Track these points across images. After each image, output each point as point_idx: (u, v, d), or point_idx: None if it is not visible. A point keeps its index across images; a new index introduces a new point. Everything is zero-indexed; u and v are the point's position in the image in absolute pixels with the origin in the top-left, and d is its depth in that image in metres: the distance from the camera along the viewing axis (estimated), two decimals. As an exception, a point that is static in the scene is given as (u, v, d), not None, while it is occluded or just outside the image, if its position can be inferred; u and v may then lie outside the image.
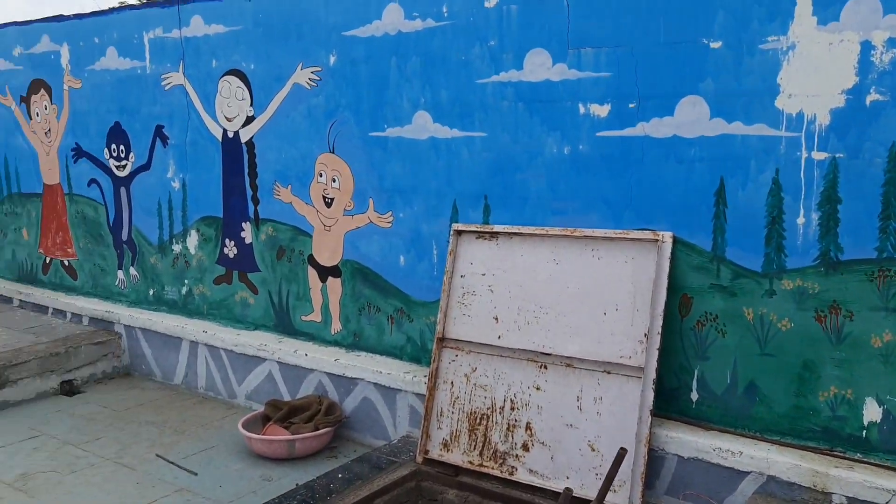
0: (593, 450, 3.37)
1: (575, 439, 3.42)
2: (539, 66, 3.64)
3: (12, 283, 6.73)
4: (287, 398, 4.70)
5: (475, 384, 3.80)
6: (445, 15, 3.91)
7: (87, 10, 5.72)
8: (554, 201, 3.68)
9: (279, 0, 4.56)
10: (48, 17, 6.01)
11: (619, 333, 3.41)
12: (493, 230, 3.84)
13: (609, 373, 3.40)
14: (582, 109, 3.53)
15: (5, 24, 6.43)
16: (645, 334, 3.32)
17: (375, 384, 4.27)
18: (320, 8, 4.38)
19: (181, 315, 5.47)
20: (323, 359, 4.49)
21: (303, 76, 4.54)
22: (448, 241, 4.02)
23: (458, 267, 3.93)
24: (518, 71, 3.71)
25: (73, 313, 6.05)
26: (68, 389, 5.28)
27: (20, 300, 6.53)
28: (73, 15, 5.82)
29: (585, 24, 3.48)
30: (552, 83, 3.60)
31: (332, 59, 4.38)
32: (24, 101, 6.37)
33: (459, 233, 3.94)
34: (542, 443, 3.50)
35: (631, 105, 3.39)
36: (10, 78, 6.44)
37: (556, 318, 3.58)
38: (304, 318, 4.81)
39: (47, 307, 6.28)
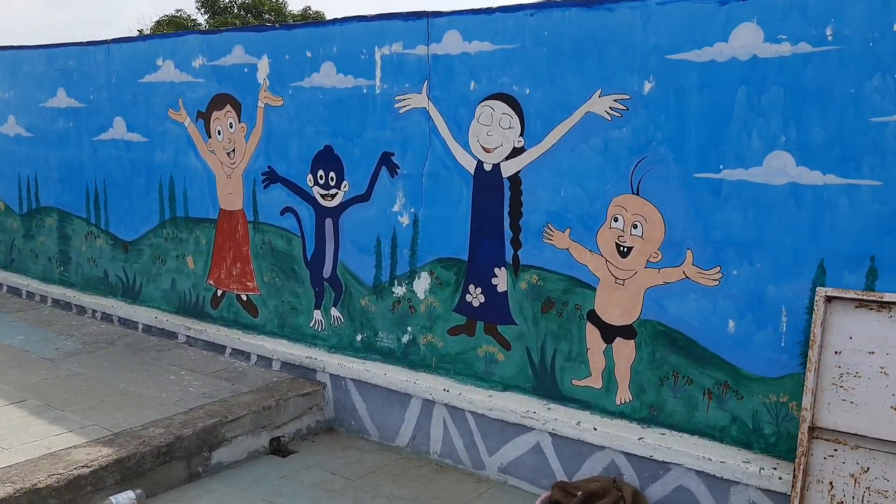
0: None
1: None
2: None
3: (175, 316, 6.12)
4: (561, 476, 4.04)
5: (868, 489, 3.13)
6: (829, 39, 3.26)
7: (298, 21, 5.12)
8: None
9: (576, 18, 3.94)
10: (245, 27, 5.44)
11: None
12: (885, 299, 3.18)
13: None
14: None
15: (185, 33, 5.86)
16: None
17: (698, 472, 3.61)
18: (636, 28, 3.75)
19: (400, 366, 4.83)
20: (619, 435, 3.83)
21: (601, 104, 3.91)
22: (807, 308, 3.38)
23: (829, 341, 3.28)
24: (939, 110, 3.07)
25: (259, 356, 5.42)
26: (277, 447, 4.65)
27: (188, 336, 5.92)
28: (280, 25, 5.24)
29: None
30: None
31: (648, 87, 3.75)
32: (203, 117, 5.79)
33: (830, 299, 3.29)
34: None
35: None
36: (186, 91, 5.87)
37: None
38: (575, 382, 4.16)
39: (224, 346, 5.66)
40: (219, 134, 5.70)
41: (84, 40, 6.68)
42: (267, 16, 31.54)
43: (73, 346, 5.77)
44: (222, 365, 5.41)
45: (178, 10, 33.10)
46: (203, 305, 6.02)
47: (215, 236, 5.87)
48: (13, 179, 7.63)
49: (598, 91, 3.91)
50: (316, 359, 5.08)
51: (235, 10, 31.94)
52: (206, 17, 32.80)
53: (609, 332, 4.02)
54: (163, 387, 4.89)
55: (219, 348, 5.70)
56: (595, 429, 3.91)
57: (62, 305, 7.02)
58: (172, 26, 30.65)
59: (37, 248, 7.50)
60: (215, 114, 5.70)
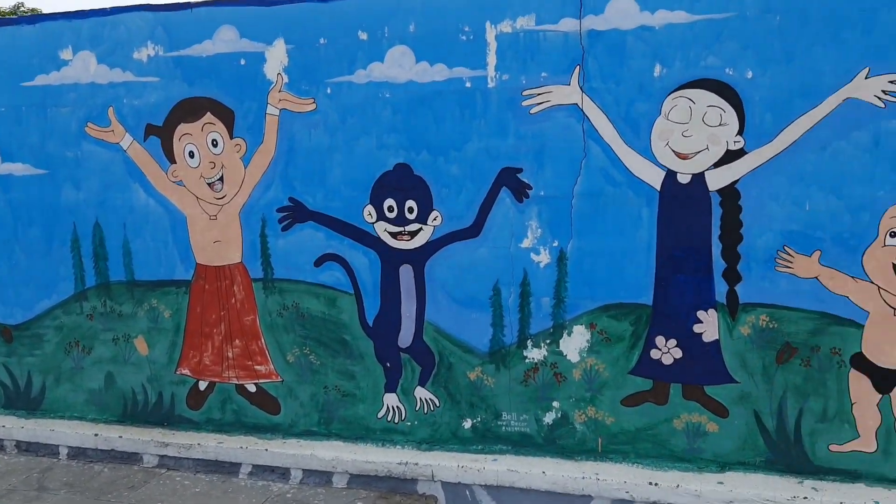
0: None
1: None
2: None
3: (126, 428, 4.15)
4: (851, 575, 3.10)
5: None
6: None
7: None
8: None
9: (833, -27, 3.00)
10: (238, -1, 3.73)
11: None
12: None
13: None
14: None
15: (120, 9, 3.94)
16: None
17: None
18: (926, -16, 2.91)
19: (543, 455, 3.56)
20: (942, 512, 2.98)
21: (869, 88, 3.01)
22: None
23: None
24: None
25: (305, 470, 3.77)
26: None
27: (161, 455, 4.01)
28: (307, -6, 3.63)
29: None
30: None
31: (942, 62, 2.93)
32: (158, 133, 3.94)
33: None
34: None
35: None
36: (122, 95, 3.96)
37: None
38: (835, 448, 3.23)
39: (236, 464, 3.88)
40: (191, 156, 3.90)
41: None
42: (-28, 16, 26.31)
43: (-21, 507, 3.62)
44: (256, 495, 3.67)
45: None
46: (172, 407, 4.14)
47: (189, 304, 4.04)
48: None
49: (865, 70, 3.01)
50: (417, 464, 3.60)
51: (-72, 10, 26.23)
52: None
53: (885, 380, 3.15)
54: (210, 555, 3.12)
55: (225, 468, 3.91)
56: (905, 508, 3.02)
57: None
58: None
59: None
60: (183, 127, 3.89)
